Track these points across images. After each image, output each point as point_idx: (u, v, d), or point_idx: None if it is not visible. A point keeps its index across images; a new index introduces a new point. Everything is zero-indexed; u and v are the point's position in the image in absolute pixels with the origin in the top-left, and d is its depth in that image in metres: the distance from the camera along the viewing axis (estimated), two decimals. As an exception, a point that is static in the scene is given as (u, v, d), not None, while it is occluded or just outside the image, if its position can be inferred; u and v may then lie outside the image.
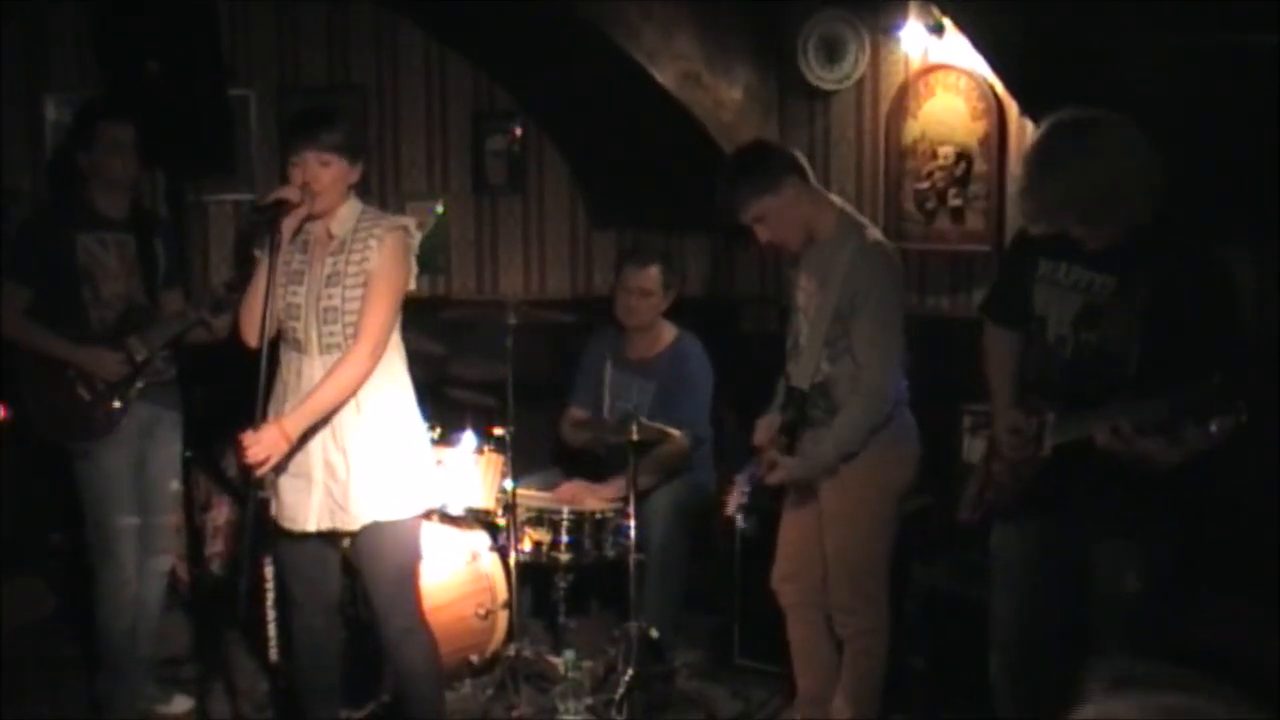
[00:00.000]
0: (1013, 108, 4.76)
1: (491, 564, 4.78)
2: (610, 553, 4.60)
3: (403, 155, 5.97)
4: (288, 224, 3.54)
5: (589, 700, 4.35)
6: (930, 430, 4.59)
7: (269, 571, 4.27)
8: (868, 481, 3.88)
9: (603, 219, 6.02)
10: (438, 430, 4.61)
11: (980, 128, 4.85)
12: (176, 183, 5.54)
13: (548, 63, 5.53)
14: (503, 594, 4.72)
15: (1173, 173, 3.01)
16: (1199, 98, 3.64)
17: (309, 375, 3.60)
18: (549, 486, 4.93)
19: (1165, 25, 3.50)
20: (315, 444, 3.61)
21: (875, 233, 3.94)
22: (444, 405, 4.95)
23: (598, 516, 4.63)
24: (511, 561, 4.52)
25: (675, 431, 4.51)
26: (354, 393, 3.56)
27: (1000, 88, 4.72)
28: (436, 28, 5.85)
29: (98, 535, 4.29)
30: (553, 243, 6.05)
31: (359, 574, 3.85)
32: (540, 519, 4.61)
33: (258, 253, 3.64)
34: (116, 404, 4.22)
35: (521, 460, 4.60)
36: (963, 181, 4.92)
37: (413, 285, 3.66)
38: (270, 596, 4.37)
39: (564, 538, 4.58)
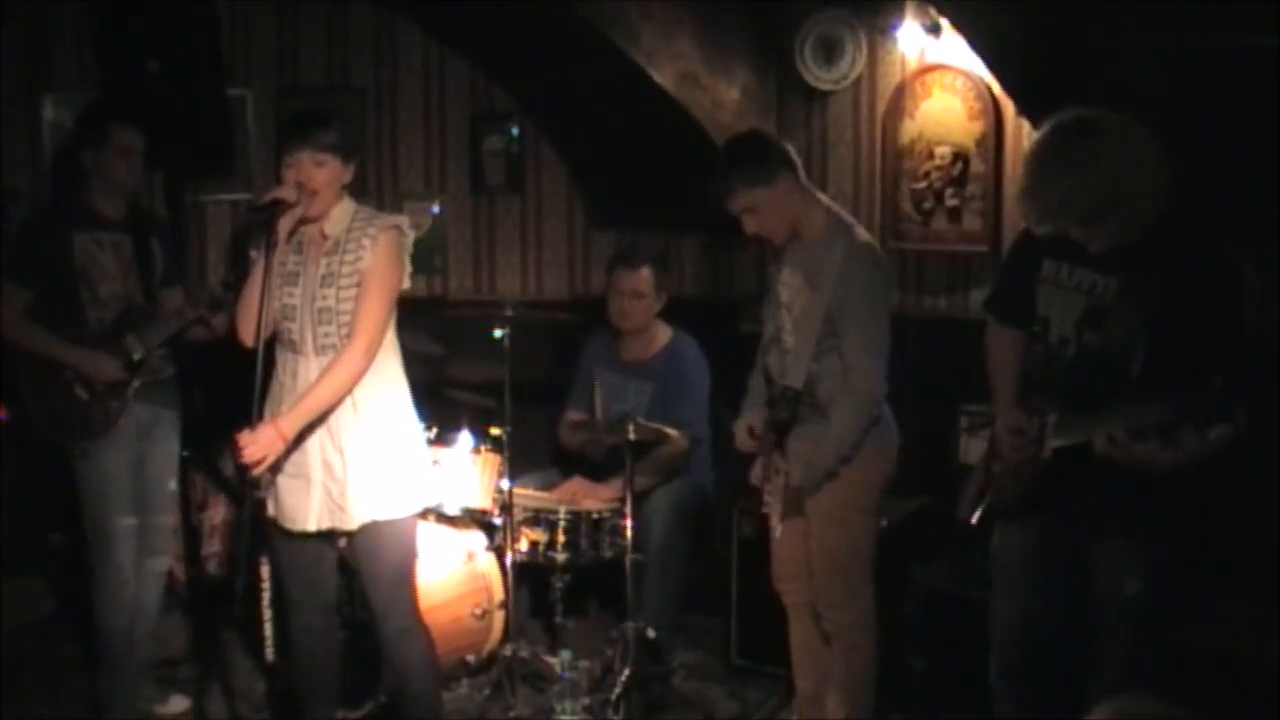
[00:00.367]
0: (1010, 108, 4.77)
1: (488, 564, 4.78)
2: (608, 553, 4.60)
3: (401, 155, 5.98)
4: (284, 224, 3.54)
5: (586, 701, 4.34)
6: (928, 430, 4.60)
7: (265, 571, 4.27)
8: (856, 479, 3.90)
9: (601, 219, 6.02)
10: (434, 430, 4.61)
11: (977, 128, 4.85)
12: (175, 182, 5.54)
13: (546, 63, 5.53)
14: (499, 594, 4.71)
15: (1174, 173, 3.01)
16: (1199, 98, 3.64)
17: (305, 376, 3.60)
18: (547, 487, 4.92)
19: (1165, 25, 3.50)
20: (313, 444, 3.61)
21: (864, 233, 3.95)
22: (441, 405, 4.95)
23: (595, 517, 4.63)
24: (508, 561, 4.52)
25: (673, 432, 4.50)
26: (349, 391, 3.56)
27: (997, 88, 4.73)
28: (435, 28, 5.85)
29: (96, 535, 4.28)
30: (551, 243, 6.05)
31: (356, 574, 3.86)
32: (537, 519, 4.60)
33: (253, 253, 3.64)
34: (114, 403, 4.21)
35: (519, 460, 4.60)
36: (960, 182, 4.92)
37: (407, 284, 3.66)
38: (267, 596, 4.37)
39: (561, 538, 4.58)
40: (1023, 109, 4.62)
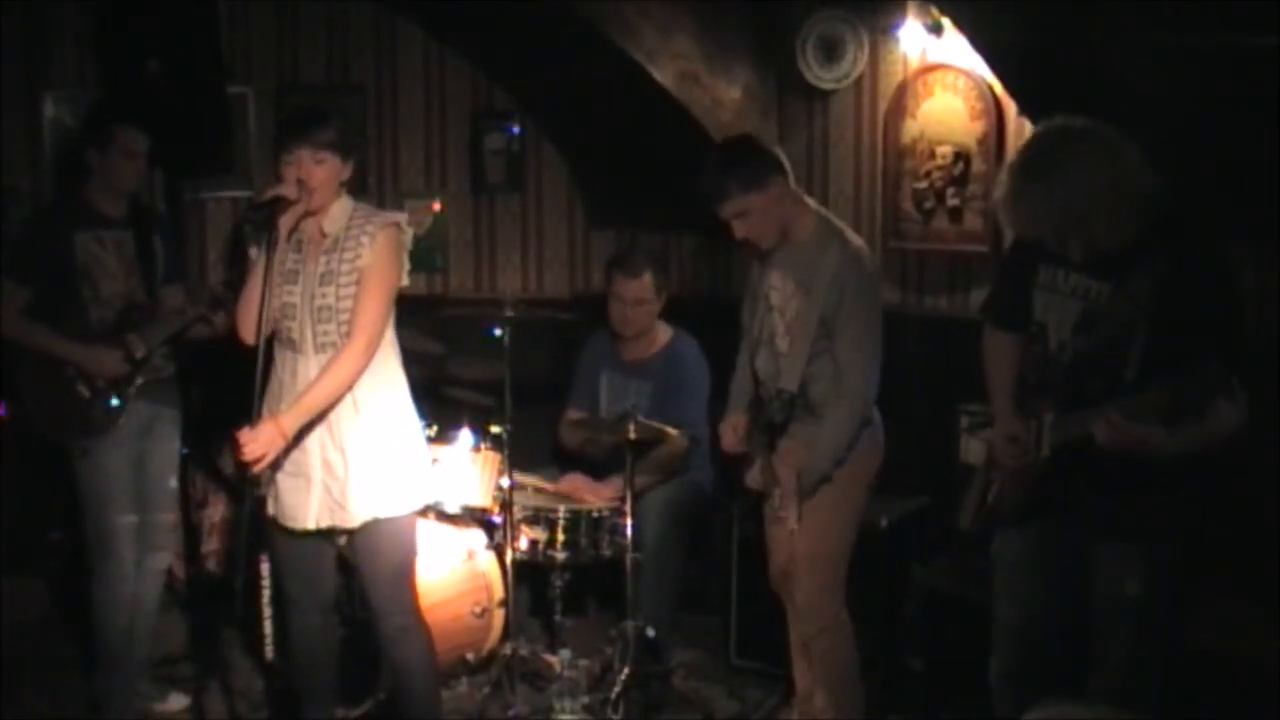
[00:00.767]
0: (1011, 108, 4.76)
1: (488, 562, 4.78)
2: (607, 552, 4.60)
3: (401, 154, 5.99)
4: (284, 221, 3.55)
5: (585, 699, 4.34)
6: (927, 430, 4.60)
7: (265, 569, 4.26)
8: (846, 477, 3.91)
9: (601, 218, 6.02)
10: (434, 428, 4.60)
11: (979, 127, 4.84)
12: (175, 180, 5.54)
13: (546, 62, 5.53)
14: (499, 592, 4.71)
15: (1163, 183, 3.00)
16: (1199, 98, 3.63)
17: (304, 374, 3.61)
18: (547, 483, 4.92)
19: (1165, 25, 3.49)
20: (313, 443, 3.61)
21: (855, 238, 3.97)
22: (442, 404, 4.94)
23: (595, 515, 4.62)
24: (508, 560, 4.52)
25: (673, 431, 4.50)
26: (349, 389, 3.56)
27: (999, 88, 4.72)
28: (436, 27, 5.86)
29: (96, 533, 4.28)
30: (551, 242, 6.06)
31: (356, 572, 3.86)
32: (537, 517, 4.60)
33: (253, 251, 3.64)
34: (115, 402, 4.21)
35: (519, 459, 4.59)
36: (961, 181, 4.91)
37: (405, 281, 3.66)
38: (266, 594, 4.36)
39: (561, 536, 4.58)
40: (1024, 109, 4.61)
